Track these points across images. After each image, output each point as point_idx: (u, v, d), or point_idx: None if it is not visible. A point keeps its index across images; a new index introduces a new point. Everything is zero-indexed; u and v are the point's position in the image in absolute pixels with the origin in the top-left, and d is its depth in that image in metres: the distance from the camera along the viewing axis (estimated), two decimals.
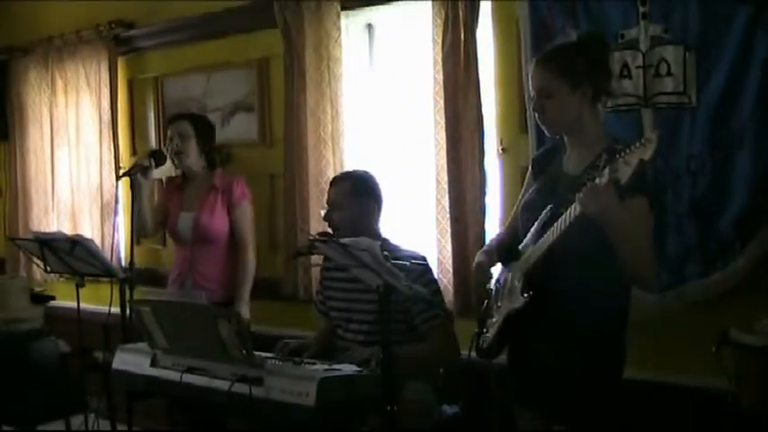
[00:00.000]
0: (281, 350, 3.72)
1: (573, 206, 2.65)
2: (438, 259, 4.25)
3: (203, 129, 4.71)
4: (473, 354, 3.17)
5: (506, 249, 3.10)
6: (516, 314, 2.90)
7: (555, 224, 2.76)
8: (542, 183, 3.07)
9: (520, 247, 2.97)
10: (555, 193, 2.91)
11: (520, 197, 3.21)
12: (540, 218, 2.87)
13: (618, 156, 2.53)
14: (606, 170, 2.55)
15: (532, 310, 2.85)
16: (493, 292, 3.13)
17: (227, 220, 4.63)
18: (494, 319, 3.05)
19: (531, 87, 3.03)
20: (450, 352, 3.60)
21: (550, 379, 2.88)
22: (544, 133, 3.47)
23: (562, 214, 2.73)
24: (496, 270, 3.16)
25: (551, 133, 3.03)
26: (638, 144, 2.50)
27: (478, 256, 3.22)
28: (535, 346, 2.94)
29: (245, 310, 4.53)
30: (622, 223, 2.64)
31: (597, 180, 2.58)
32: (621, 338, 2.94)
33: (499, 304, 3.04)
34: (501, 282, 3.07)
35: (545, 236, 2.82)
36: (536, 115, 3.01)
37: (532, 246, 2.89)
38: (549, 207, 2.85)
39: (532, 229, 2.91)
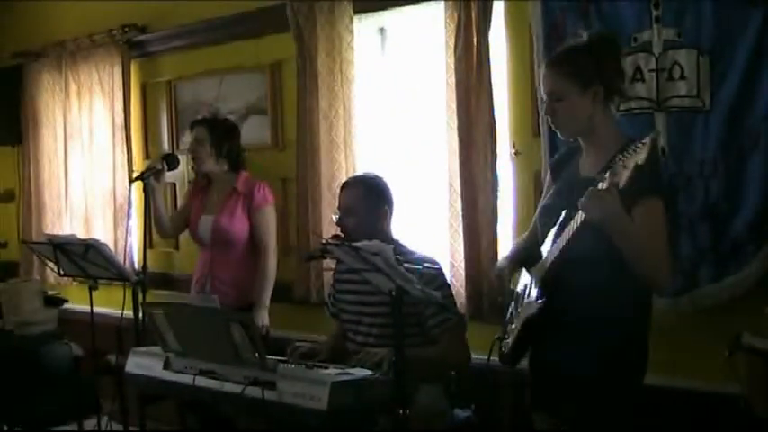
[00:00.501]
0: (292, 353, 3.72)
1: (580, 211, 2.65)
2: (451, 263, 4.24)
3: (219, 133, 4.72)
4: (493, 358, 3.14)
5: (526, 254, 3.09)
6: (532, 320, 2.90)
7: (566, 229, 2.76)
8: (560, 186, 3.06)
9: (542, 251, 2.96)
10: (571, 196, 2.90)
11: (541, 201, 3.20)
12: (559, 222, 2.86)
13: (618, 159, 2.53)
14: (607, 174, 2.55)
15: (550, 314, 2.85)
16: (515, 296, 3.12)
17: (247, 224, 4.65)
18: (513, 325, 3.05)
19: (542, 91, 3.02)
20: (460, 355, 3.59)
21: (567, 384, 2.87)
22: (557, 137, 3.44)
23: None
24: (523, 275, 3.14)
25: (564, 136, 3.02)
26: (636, 147, 2.50)
27: (500, 262, 3.22)
28: (553, 351, 2.93)
29: (264, 315, 4.54)
30: (625, 227, 2.63)
31: (600, 185, 2.58)
32: (640, 344, 2.92)
33: (519, 310, 3.04)
34: (523, 287, 3.06)
35: (558, 240, 2.81)
36: (548, 118, 3.00)
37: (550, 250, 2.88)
38: (564, 211, 2.84)
39: (551, 234, 2.90)
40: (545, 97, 2.98)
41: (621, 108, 3.61)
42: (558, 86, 2.90)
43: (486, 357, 3.12)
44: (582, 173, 2.97)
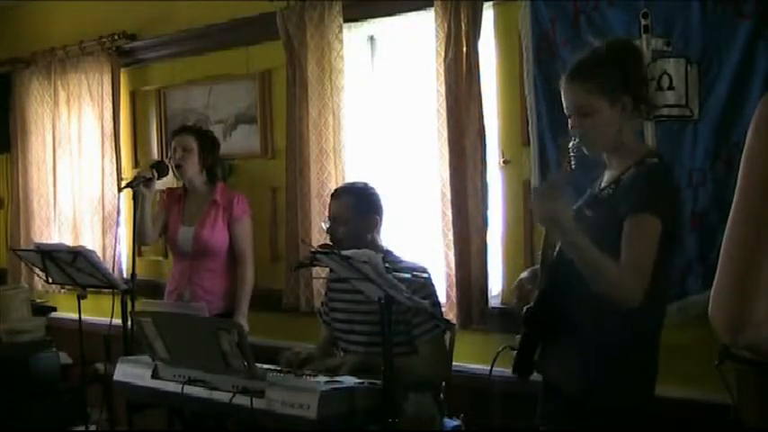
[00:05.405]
0: (292, 359, 3.69)
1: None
2: (446, 273, 4.23)
3: (206, 144, 4.76)
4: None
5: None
6: (528, 328, 2.85)
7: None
8: (584, 199, 2.94)
9: None
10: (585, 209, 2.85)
11: None
12: None
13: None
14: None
15: (554, 326, 2.79)
16: None
17: (227, 235, 4.69)
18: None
19: (565, 106, 2.83)
20: (439, 367, 3.61)
21: (568, 398, 2.83)
22: (546, 147, 3.45)
23: None
24: None
25: (593, 152, 2.84)
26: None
27: (523, 273, 3.09)
28: (553, 361, 2.86)
29: (244, 323, 4.53)
30: (568, 231, 2.54)
31: (542, 185, 2.52)
32: (644, 359, 2.87)
33: None
34: None
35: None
36: (575, 136, 2.77)
37: None
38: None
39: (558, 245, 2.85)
40: (568, 112, 2.82)
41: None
42: (587, 101, 2.74)
43: (490, 369, 2.99)
44: (602, 186, 2.86)
